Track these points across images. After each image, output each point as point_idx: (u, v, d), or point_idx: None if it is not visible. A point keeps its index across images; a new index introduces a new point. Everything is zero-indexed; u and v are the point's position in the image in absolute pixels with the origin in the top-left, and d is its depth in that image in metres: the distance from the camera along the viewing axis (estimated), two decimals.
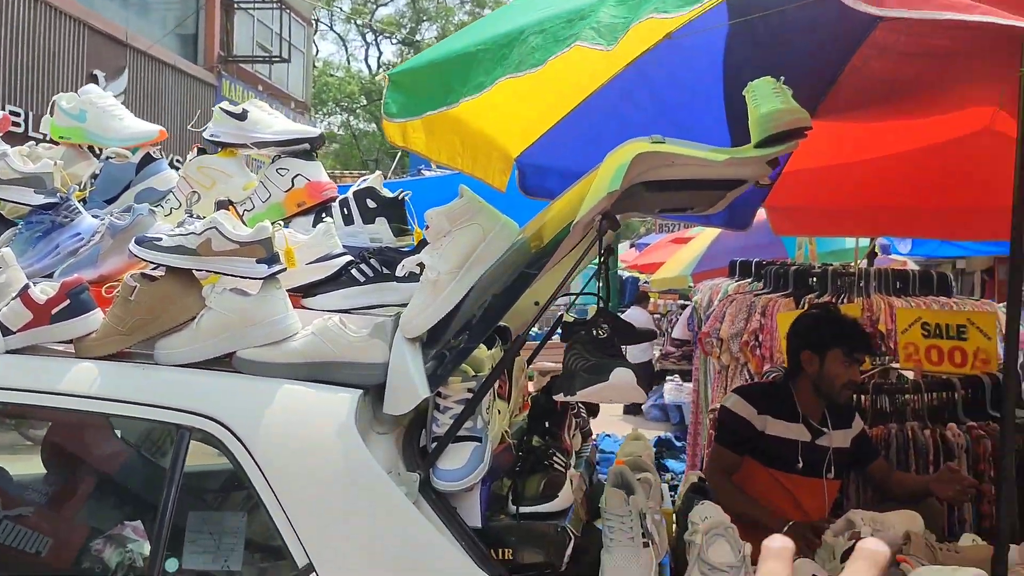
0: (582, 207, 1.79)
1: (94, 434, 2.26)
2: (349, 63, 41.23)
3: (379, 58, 41.39)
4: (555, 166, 3.36)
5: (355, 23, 39.96)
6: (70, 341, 2.03)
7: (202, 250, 1.95)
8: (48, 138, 2.55)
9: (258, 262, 1.95)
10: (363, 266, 2.08)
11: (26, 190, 2.25)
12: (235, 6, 16.72)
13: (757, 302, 4.66)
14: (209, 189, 2.41)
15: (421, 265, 1.95)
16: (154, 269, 2.05)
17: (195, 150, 2.49)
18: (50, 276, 2.23)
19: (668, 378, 10.31)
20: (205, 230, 1.95)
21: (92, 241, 2.24)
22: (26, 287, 2.01)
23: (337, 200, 2.33)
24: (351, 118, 38.67)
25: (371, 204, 2.29)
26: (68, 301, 2.00)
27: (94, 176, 2.44)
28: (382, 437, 1.90)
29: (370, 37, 40.38)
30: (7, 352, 2.01)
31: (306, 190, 2.34)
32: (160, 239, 1.97)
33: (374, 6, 39.32)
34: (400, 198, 2.30)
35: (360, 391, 1.89)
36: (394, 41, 40.86)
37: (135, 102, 12.92)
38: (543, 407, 2.42)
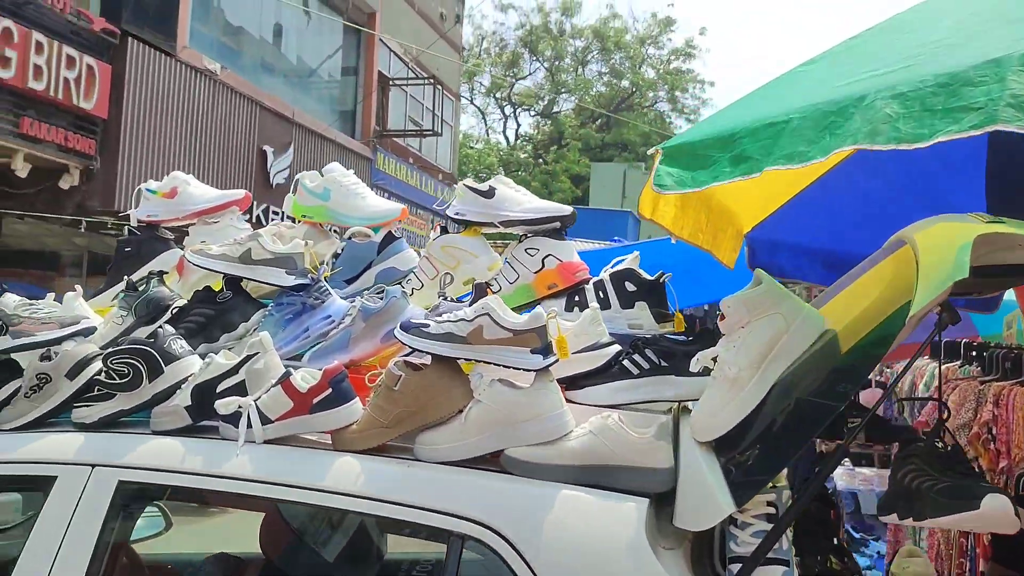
0: (919, 297, 1.55)
1: (357, 534, 2.14)
2: (488, 135, 42.23)
3: (517, 130, 42.21)
4: (788, 241, 3.13)
5: (494, 97, 41.02)
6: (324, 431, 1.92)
7: (473, 338, 1.81)
8: (284, 216, 2.51)
9: (532, 352, 1.79)
10: (637, 356, 1.89)
11: (278, 271, 2.18)
12: (390, 83, 17.32)
13: (986, 390, 4.21)
14: (453, 269, 2.30)
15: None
16: (410, 355, 1.93)
17: (437, 229, 2.39)
18: (298, 359, 2.14)
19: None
20: (476, 317, 1.81)
21: (342, 324, 2.14)
22: (287, 374, 1.92)
23: (591, 282, 2.16)
24: None
25: (630, 287, 2.11)
26: (330, 390, 1.89)
27: (335, 255, 2.37)
28: (670, 553, 1.68)
29: (508, 110, 41.30)
30: (265, 442, 1.91)
31: (558, 272, 2.19)
32: (427, 325, 1.84)
33: (512, 80, 40.25)
34: (660, 280, 2.11)
35: (645, 499, 1.69)
36: (532, 113, 41.61)
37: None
38: (816, 518, 2.15)
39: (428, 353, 1.84)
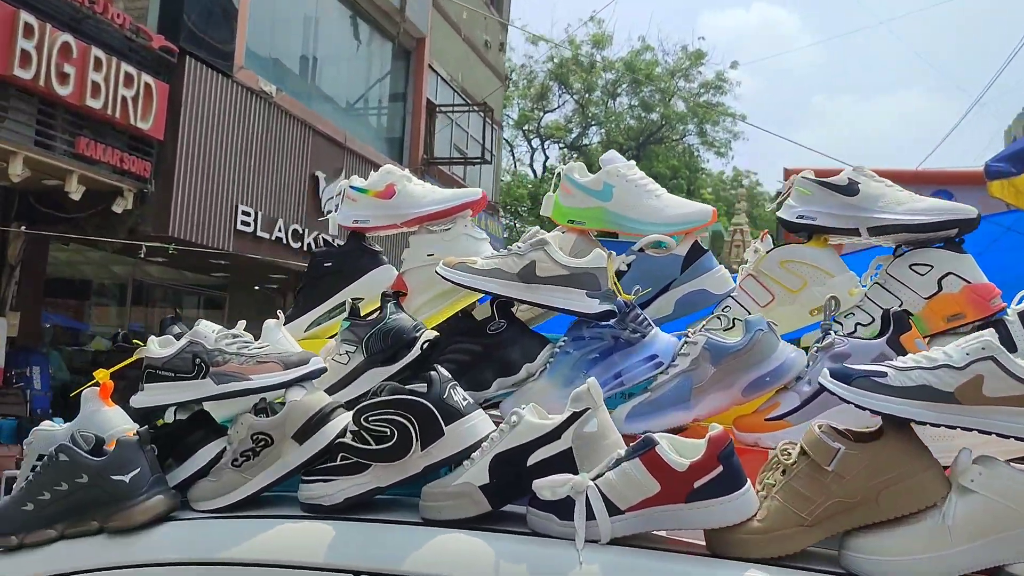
0: None
1: None
2: (515, 167, 41.82)
3: (544, 162, 41.81)
4: None
5: (523, 129, 40.66)
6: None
7: (964, 395, 1.19)
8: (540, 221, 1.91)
9: None
10: None
11: (576, 293, 1.58)
12: (437, 110, 16.87)
13: None
14: (796, 292, 1.69)
15: None
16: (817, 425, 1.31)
17: (766, 237, 1.78)
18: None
19: None
20: (973, 362, 1.19)
21: (675, 368, 1.53)
22: (650, 443, 1.30)
23: (1019, 313, 1.55)
24: (517, 222, 38.92)
25: None
26: (720, 468, 1.28)
27: (618, 273, 1.76)
28: None
29: (536, 142, 40.91)
30: (610, 542, 1.30)
31: (965, 297, 1.58)
32: (882, 374, 1.23)
33: (541, 113, 39.91)
34: None
35: None
36: (561, 146, 41.22)
37: None
38: None
39: (884, 415, 1.23)
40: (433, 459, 1.44)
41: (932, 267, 1.60)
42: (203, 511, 1.52)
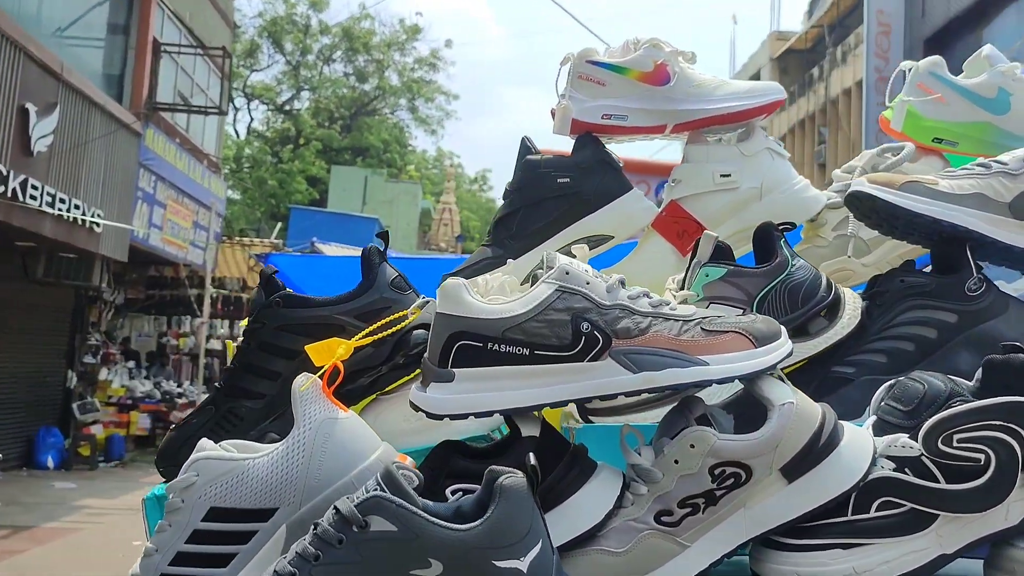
0: None
1: None
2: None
3: (249, 124, 39.46)
4: None
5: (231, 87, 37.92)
6: None
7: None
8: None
9: None
10: None
11: None
12: (162, 49, 14.99)
13: None
14: None
15: None
16: None
17: None
18: None
19: None
20: None
21: None
22: None
23: None
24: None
25: None
26: None
27: None
28: None
29: (240, 101, 38.36)
30: None
31: None
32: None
33: (248, 71, 37.49)
34: None
35: None
36: (269, 108, 39.06)
37: (62, 148, 10.99)
38: None
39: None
40: None
41: None
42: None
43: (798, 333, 1.04)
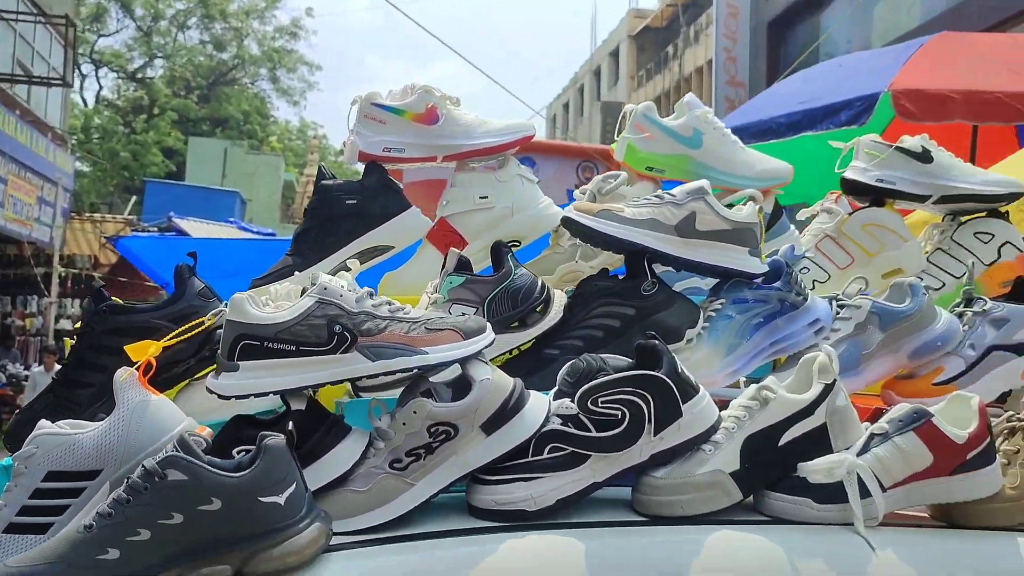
0: None
1: None
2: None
3: (99, 92, 37.64)
4: None
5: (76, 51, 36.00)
6: None
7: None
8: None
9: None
10: None
11: (737, 250, 1.42)
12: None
13: None
14: (873, 256, 1.70)
15: None
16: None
17: (835, 198, 1.76)
18: None
19: None
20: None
21: (839, 334, 1.46)
22: (925, 415, 1.22)
23: None
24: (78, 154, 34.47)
25: None
26: (988, 438, 1.24)
27: None
28: None
29: (88, 68, 36.53)
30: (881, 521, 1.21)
31: (1019, 265, 1.72)
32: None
33: (96, 36, 35.71)
34: None
35: None
36: (119, 76, 37.33)
37: None
38: None
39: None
40: (664, 445, 1.20)
41: (994, 236, 1.72)
42: (350, 532, 1.11)
43: (520, 325, 1.38)
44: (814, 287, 1.69)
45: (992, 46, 4.31)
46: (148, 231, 14.54)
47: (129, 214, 21.92)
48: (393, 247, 1.58)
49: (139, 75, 36.83)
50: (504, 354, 1.39)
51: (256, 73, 38.90)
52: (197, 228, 13.55)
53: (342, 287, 1.15)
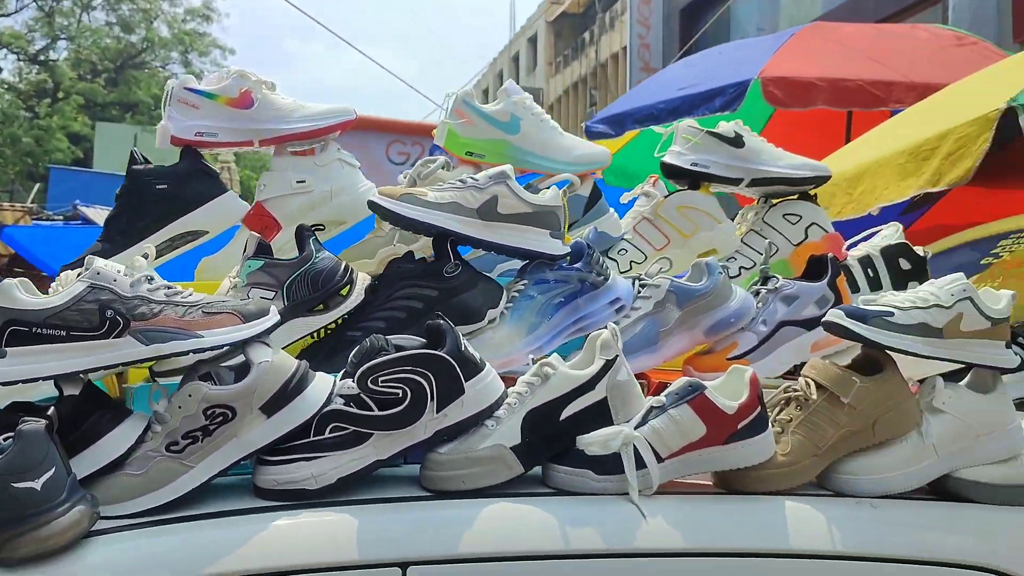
0: None
1: None
2: None
3: None
4: None
5: None
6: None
7: (949, 330, 1.39)
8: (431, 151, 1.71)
9: (1006, 346, 1.43)
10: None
11: (538, 232, 1.46)
12: None
13: None
14: (688, 237, 1.77)
15: None
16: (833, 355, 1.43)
17: (654, 181, 1.81)
18: None
19: None
20: (956, 302, 1.39)
21: (638, 312, 1.51)
22: (698, 387, 1.28)
23: (857, 259, 1.82)
24: None
25: (904, 265, 1.82)
26: (760, 410, 1.32)
27: None
28: None
29: None
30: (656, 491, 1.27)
31: (824, 245, 1.81)
32: (890, 313, 1.37)
33: None
34: (926, 256, 1.86)
35: None
36: (20, 57, 35.87)
37: None
38: None
39: (894, 351, 1.37)
40: (448, 422, 1.24)
41: (801, 217, 1.80)
42: (125, 515, 1.12)
43: (324, 308, 1.40)
44: (631, 267, 1.74)
45: (857, 36, 4.47)
46: (52, 219, 14.03)
47: (32, 202, 21.16)
48: (208, 232, 1.58)
49: (41, 57, 35.46)
50: (307, 336, 1.41)
51: (167, 56, 37.74)
52: (104, 216, 13.14)
53: (117, 271, 1.16)
